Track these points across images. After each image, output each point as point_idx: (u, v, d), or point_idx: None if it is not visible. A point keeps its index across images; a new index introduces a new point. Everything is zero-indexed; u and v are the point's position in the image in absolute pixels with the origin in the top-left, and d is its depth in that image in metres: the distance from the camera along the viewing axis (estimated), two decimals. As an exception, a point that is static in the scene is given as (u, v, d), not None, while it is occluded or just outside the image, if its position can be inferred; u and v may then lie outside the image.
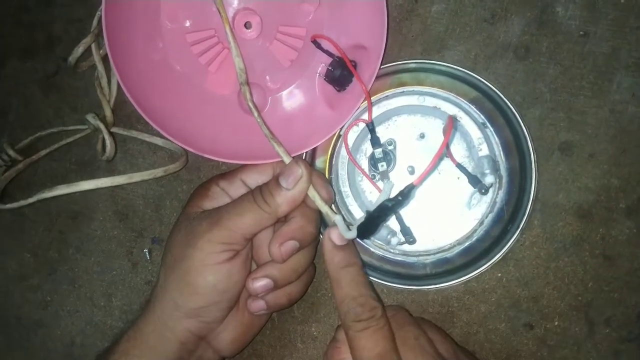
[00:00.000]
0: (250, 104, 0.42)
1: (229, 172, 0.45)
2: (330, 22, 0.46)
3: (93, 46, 0.49)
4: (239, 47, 0.43)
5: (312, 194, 0.41)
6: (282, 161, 0.42)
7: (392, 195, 0.37)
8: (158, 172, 0.46)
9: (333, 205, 0.46)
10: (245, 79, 0.43)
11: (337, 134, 0.47)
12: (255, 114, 0.42)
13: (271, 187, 0.40)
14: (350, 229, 0.39)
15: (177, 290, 0.41)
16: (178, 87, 0.46)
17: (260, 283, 0.41)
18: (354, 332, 0.37)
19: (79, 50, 0.48)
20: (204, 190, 0.44)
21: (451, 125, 0.38)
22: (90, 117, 0.49)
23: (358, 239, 0.43)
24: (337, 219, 0.39)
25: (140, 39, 0.44)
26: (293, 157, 0.41)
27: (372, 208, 0.47)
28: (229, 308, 0.42)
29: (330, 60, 0.46)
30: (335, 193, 0.45)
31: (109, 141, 0.48)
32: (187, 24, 0.45)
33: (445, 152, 0.46)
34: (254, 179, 0.44)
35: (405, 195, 0.36)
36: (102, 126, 0.48)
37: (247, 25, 0.45)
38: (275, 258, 0.41)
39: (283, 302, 0.44)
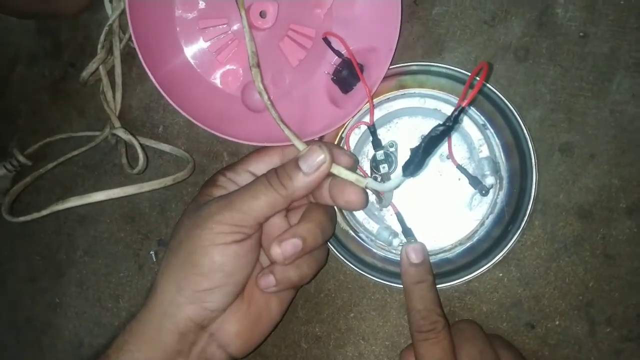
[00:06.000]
0: (260, 85, 0.41)
1: (234, 163, 0.44)
2: (340, 25, 0.47)
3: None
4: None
5: (337, 170, 0.39)
6: (291, 146, 0.41)
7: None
8: (167, 180, 0.47)
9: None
10: (257, 61, 0.41)
11: (339, 136, 0.48)
12: (265, 97, 0.41)
13: (289, 170, 0.39)
14: (384, 182, 0.40)
15: (182, 272, 0.39)
16: (186, 75, 0.47)
17: (288, 245, 0.39)
18: (415, 340, 0.41)
19: (93, 66, 0.49)
20: (212, 181, 0.43)
21: (485, 72, 0.35)
22: (121, 132, 0.49)
23: (406, 178, 0.40)
24: (369, 181, 0.40)
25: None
26: (315, 140, 0.41)
27: (374, 208, 0.48)
28: (234, 294, 0.40)
29: (339, 61, 0.47)
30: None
31: (142, 155, 0.48)
32: (201, 4, 0.46)
33: (445, 142, 0.46)
34: (260, 170, 0.43)
35: (456, 119, 0.34)
36: (135, 142, 0.48)
37: (262, 14, 0.46)
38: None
39: (293, 277, 0.41)
